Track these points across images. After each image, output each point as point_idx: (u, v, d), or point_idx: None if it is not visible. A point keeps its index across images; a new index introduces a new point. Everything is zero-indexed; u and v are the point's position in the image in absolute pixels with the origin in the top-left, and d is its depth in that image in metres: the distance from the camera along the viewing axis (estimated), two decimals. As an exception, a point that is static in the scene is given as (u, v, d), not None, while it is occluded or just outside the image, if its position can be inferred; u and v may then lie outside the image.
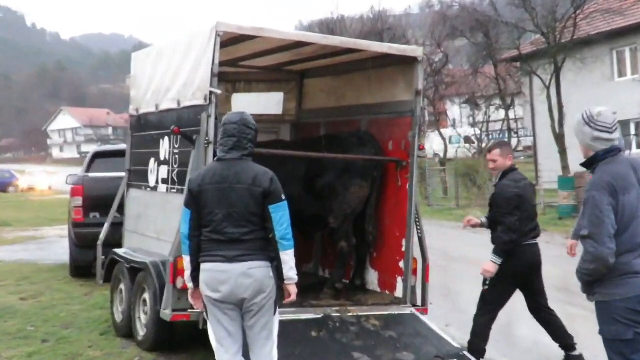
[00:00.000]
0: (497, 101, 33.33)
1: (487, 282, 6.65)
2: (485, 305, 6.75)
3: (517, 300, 6.93)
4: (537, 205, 20.33)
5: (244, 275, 5.13)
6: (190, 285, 5.41)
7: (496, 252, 6.58)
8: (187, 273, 5.38)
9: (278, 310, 5.37)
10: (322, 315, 7.02)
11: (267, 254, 5.21)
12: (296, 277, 5.25)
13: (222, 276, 5.17)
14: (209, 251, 5.24)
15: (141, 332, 7.66)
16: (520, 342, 7.94)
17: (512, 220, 6.52)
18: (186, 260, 5.38)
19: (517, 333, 8.08)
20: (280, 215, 5.16)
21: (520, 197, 6.59)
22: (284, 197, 5.22)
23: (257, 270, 5.16)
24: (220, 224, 5.20)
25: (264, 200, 5.18)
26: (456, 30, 30.36)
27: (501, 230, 6.57)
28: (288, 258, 5.19)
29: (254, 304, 5.18)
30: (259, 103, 9.93)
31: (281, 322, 6.58)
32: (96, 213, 11.66)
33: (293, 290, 5.27)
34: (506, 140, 6.68)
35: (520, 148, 36.91)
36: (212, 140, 6.59)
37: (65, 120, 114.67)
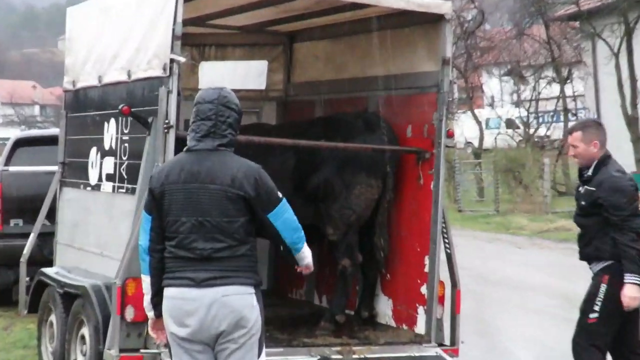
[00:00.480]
0: (550, 73, 33.33)
1: (598, 308, 6.63)
2: (592, 340, 6.73)
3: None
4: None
5: (217, 304, 5.12)
6: (150, 314, 5.44)
7: (632, 269, 6.53)
8: (147, 298, 5.41)
9: (264, 351, 5.37)
10: (319, 357, 7.02)
11: (250, 276, 5.23)
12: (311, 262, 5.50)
13: (189, 305, 5.15)
14: (174, 272, 5.23)
15: (78, 378, 7.67)
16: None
17: None
18: (145, 282, 5.40)
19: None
20: (284, 220, 5.25)
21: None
22: (280, 195, 5.28)
23: (235, 298, 5.15)
24: (188, 236, 5.20)
25: (251, 207, 5.21)
26: (495, -22, 30.38)
27: (629, 239, 6.54)
28: (304, 254, 5.42)
29: (229, 340, 5.16)
30: (235, 75, 9.95)
31: (265, 367, 6.64)
32: (18, 220, 11.66)
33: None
34: (597, 120, 6.54)
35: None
36: (174, 123, 6.62)
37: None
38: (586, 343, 6.68)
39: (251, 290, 5.21)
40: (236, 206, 5.19)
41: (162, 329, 5.38)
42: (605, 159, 6.81)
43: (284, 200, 5.29)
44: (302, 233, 5.35)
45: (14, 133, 15.83)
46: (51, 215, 9.03)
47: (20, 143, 12.55)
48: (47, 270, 8.49)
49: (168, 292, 5.24)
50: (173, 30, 6.68)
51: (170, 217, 5.25)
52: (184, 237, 5.21)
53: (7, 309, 11.77)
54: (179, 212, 5.23)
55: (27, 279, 8.84)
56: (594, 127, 7.07)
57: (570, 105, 33.87)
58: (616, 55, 23.99)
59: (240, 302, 5.15)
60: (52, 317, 8.24)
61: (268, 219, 5.22)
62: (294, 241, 5.29)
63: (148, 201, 5.37)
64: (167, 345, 5.37)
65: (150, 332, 5.58)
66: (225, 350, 5.19)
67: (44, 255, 9.40)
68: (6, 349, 9.71)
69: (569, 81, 32.92)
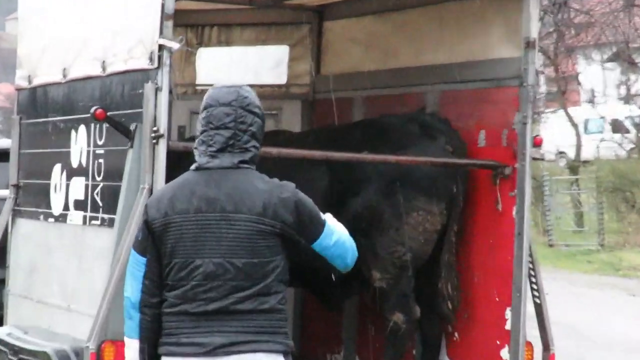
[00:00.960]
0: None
1: None
2: None
3: None
4: None
5: None
6: None
7: None
8: None
9: None
10: None
11: (281, 340, 5.21)
12: None
13: None
14: (177, 335, 5.21)
15: None
16: None
17: None
18: (132, 348, 5.39)
19: None
20: (332, 244, 5.32)
21: None
22: (322, 218, 5.30)
23: None
24: (202, 283, 5.17)
25: (285, 241, 5.24)
26: None
27: None
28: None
29: None
30: (245, 65, 9.99)
31: None
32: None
33: None
34: None
35: None
36: (165, 130, 6.64)
37: None
38: None
39: (281, 358, 5.19)
40: (270, 242, 5.20)
41: None
42: None
43: (326, 220, 5.32)
44: (354, 251, 5.40)
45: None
46: (1, 256, 9.11)
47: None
48: (-2, 330, 8.58)
49: None
50: (162, 6, 6.72)
51: (176, 259, 5.19)
52: (195, 285, 5.15)
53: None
54: (190, 252, 5.19)
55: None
56: None
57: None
58: None
59: None
60: (3, 394, 8.30)
61: (315, 249, 5.27)
62: (346, 265, 5.38)
63: (142, 238, 5.31)
64: None
65: None
66: None
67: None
68: None
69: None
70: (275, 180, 5.27)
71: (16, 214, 8.94)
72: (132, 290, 5.29)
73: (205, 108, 5.30)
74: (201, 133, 5.28)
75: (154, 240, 5.23)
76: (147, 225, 5.26)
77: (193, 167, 5.29)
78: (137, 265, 5.30)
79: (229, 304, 5.12)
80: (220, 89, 5.38)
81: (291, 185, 5.27)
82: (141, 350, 5.30)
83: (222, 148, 5.23)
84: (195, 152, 5.28)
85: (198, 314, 5.14)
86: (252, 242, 5.15)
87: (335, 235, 5.28)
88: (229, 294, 5.12)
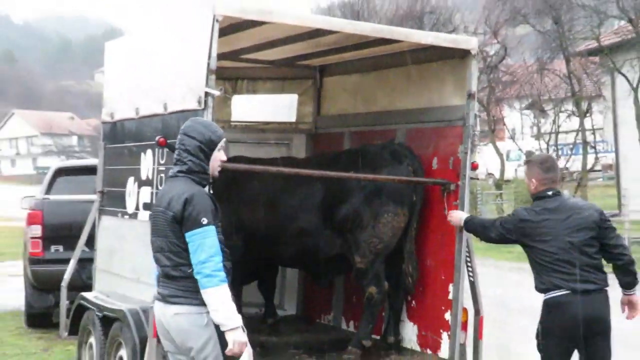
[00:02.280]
0: (570, 106, 33.19)
1: None
2: None
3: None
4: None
5: (172, 321, 5.34)
6: None
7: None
8: None
9: None
10: (346, 381, 7.03)
11: (201, 297, 5.24)
12: (228, 323, 5.13)
13: (161, 319, 5.44)
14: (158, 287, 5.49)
15: (115, 398, 7.70)
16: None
17: None
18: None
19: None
20: (197, 245, 5.19)
21: None
22: (204, 222, 5.22)
23: (183, 317, 5.28)
24: (155, 253, 5.46)
25: (180, 227, 5.28)
26: (517, 14, 30.28)
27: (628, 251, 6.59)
28: (210, 299, 5.15)
29: (190, 357, 5.32)
30: (267, 107, 10.00)
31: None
32: (59, 246, 11.74)
33: (230, 338, 5.13)
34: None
35: (598, 167, 36.72)
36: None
37: (17, 126, 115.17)
38: None
39: (201, 310, 5.24)
40: (172, 228, 5.30)
41: None
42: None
43: (208, 227, 5.22)
44: (213, 269, 5.14)
45: (53, 162, 15.92)
46: (90, 241, 9.10)
47: (60, 172, 12.67)
48: (87, 294, 8.54)
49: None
50: (208, 64, 6.69)
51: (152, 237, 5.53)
52: (155, 256, 5.47)
53: (46, 331, 11.85)
54: (152, 233, 5.52)
55: (67, 302, 8.90)
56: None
57: (590, 138, 33.72)
58: (635, 90, 23.94)
59: (187, 321, 5.29)
60: (92, 340, 8.28)
61: (185, 237, 5.25)
62: (198, 270, 5.17)
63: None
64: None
65: None
66: None
67: (83, 280, 9.47)
68: (45, 370, 9.77)
69: (588, 115, 32.68)
70: (189, 186, 5.36)
71: (101, 212, 8.93)
72: None
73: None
74: None
75: None
76: None
77: None
78: None
79: (167, 269, 5.37)
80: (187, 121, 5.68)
81: (192, 190, 5.31)
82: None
83: (175, 162, 5.55)
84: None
85: (161, 274, 5.49)
86: (164, 227, 5.37)
87: (204, 241, 5.19)
88: (166, 262, 5.40)
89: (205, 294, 5.12)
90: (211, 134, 5.45)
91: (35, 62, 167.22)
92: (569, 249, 6.30)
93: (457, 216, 7.27)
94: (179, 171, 5.40)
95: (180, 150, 5.41)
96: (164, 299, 5.37)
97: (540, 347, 6.53)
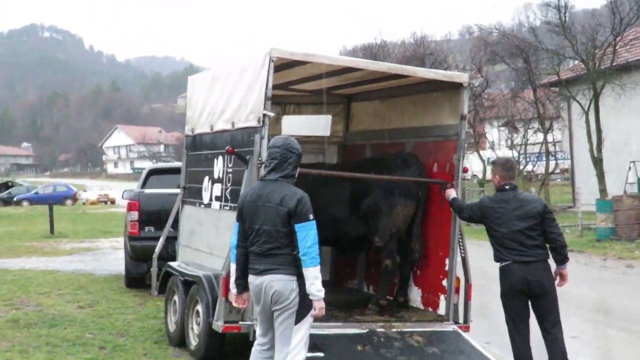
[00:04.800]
0: (536, 124, 32.88)
1: None
2: None
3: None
4: (574, 227, 19.68)
5: (267, 286, 5.40)
6: (233, 290, 5.74)
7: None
8: (232, 279, 5.71)
9: (305, 323, 5.47)
10: (367, 330, 7.01)
11: (293, 269, 5.41)
12: (318, 294, 5.34)
13: (255, 289, 5.50)
14: (249, 263, 5.54)
15: (193, 342, 7.73)
16: None
17: None
18: (232, 268, 5.70)
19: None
20: (305, 234, 5.32)
21: None
22: (311, 217, 5.38)
23: (278, 283, 5.40)
24: (255, 237, 5.48)
25: (290, 219, 5.36)
26: (496, 55, 30.13)
27: (562, 238, 6.60)
28: (309, 274, 5.33)
29: (274, 310, 5.45)
30: (308, 125, 9.96)
31: (327, 337, 6.67)
32: (151, 227, 11.82)
33: (317, 305, 5.38)
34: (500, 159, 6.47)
35: (557, 170, 36.40)
36: (264, 160, 6.66)
37: (120, 138, 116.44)
38: None
39: (292, 278, 5.41)
40: (282, 220, 5.38)
41: (243, 302, 5.71)
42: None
43: (313, 222, 5.38)
44: (315, 254, 5.32)
45: (148, 165, 16.04)
46: (175, 224, 9.15)
47: (152, 172, 12.77)
48: (172, 263, 8.61)
49: (248, 279, 5.56)
50: (265, 93, 6.73)
51: (247, 224, 5.53)
52: (253, 238, 5.49)
53: (141, 290, 11.95)
54: (250, 221, 5.50)
55: (157, 269, 8.96)
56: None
57: (551, 149, 33.53)
58: (586, 113, 23.75)
59: (280, 285, 5.40)
60: (175, 297, 8.34)
61: (295, 227, 5.34)
62: (304, 253, 5.31)
63: (237, 213, 5.66)
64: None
65: (234, 303, 5.88)
66: (274, 319, 5.53)
67: (168, 253, 9.51)
68: (141, 319, 9.83)
69: (550, 131, 32.52)
70: (295, 189, 5.47)
71: (183, 202, 8.99)
72: (233, 238, 5.64)
73: (268, 147, 5.66)
74: (265, 160, 5.70)
75: (240, 214, 5.58)
76: (238, 207, 5.63)
77: (260, 178, 5.76)
78: (235, 227, 5.63)
79: (266, 250, 5.44)
80: (277, 138, 5.72)
81: (301, 193, 5.43)
82: (236, 270, 5.63)
83: (272, 169, 5.53)
84: (261, 170, 5.85)
85: (254, 253, 5.51)
86: (273, 218, 5.40)
87: (310, 232, 5.32)
88: (265, 244, 5.44)
89: (307, 271, 5.31)
90: (300, 150, 5.65)
91: (134, 90, 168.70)
92: (515, 231, 6.47)
93: (449, 194, 7.35)
94: (280, 176, 5.50)
95: (279, 161, 5.51)
96: (259, 272, 5.46)
97: (503, 305, 6.67)
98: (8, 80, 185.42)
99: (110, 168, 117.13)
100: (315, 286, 5.32)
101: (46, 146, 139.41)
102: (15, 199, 53.02)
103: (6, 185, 59.23)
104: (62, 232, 24.89)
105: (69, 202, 51.96)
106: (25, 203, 51.15)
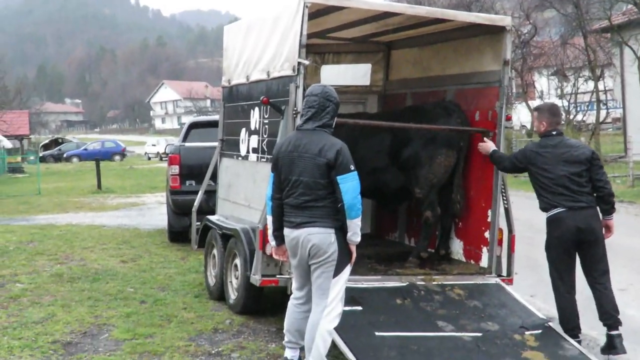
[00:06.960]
0: (586, 73, 32.26)
1: None
2: None
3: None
4: (626, 177, 19.27)
5: (304, 240, 5.28)
6: (272, 243, 5.62)
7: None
8: (270, 232, 5.59)
9: (342, 276, 5.37)
10: (407, 283, 6.89)
11: (331, 222, 5.27)
12: (357, 240, 5.29)
13: (291, 242, 5.38)
14: (285, 216, 5.41)
15: (232, 295, 7.71)
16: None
17: None
18: (269, 220, 5.57)
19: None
20: (348, 186, 5.17)
21: None
22: (352, 168, 5.22)
23: (316, 236, 5.26)
24: (291, 189, 5.33)
25: (330, 171, 5.20)
26: (545, 1, 29.45)
27: (609, 186, 6.42)
28: (353, 225, 5.24)
29: (311, 264, 5.34)
30: (347, 74, 9.78)
31: (367, 290, 6.57)
32: (192, 181, 11.79)
33: (353, 249, 5.34)
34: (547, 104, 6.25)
35: (609, 120, 35.62)
36: (300, 110, 6.52)
37: (167, 93, 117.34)
38: None
39: (330, 231, 5.28)
40: (321, 171, 5.22)
41: (282, 253, 5.60)
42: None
43: (355, 173, 5.22)
44: (359, 205, 5.20)
45: (190, 119, 16.03)
46: (214, 177, 9.08)
47: (193, 126, 12.70)
48: (211, 217, 8.55)
49: (284, 232, 5.45)
50: (299, 41, 6.56)
51: (282, 175, 5.37)
52: (289, 190, 5.35)
53: (184, 244, 11.97)
54: (286, 172, 5.34)
55: (197, 223, 8.93)
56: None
57: (602, 97, 32.78)
58: (639, 59, 23.07)
59: (319, 239, 5.28)
60: (214, 251, 8.31)
61: (337, 179, 5.18)
62: (349, 205, 5.17)
63: (272, 164, 5.50)
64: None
65: (274, 255, 5.77)
66: (311, 272, 5.42)
67: (208, 207, 9.47)
68: (183, 273, 9.86)
69: (601, 79, 31.87)
70: (334, 139, 5.31)
71: (222, 155, 8.91)
72: (268, 190, 5.49)
73: (305, 96, 5.43)
74: (302, 109, 5.43)
75: (275, 166, 5.41)
76: (273, 158, 5.45)
77: (295, 127, 5.57)
78: (270, 177, 5.47)
79: (304, 202, 5.28)
80: (315, 86, 5.51)
81: (340, 143, 5.26)
82: (272, 222, 5.50)
83: (309, 118, 5.33)
84: (297, 119, 5.57)
85: (290, 205, 5.36)
86: (311, 170, 5.23)
87: (353, 183, 5.19)
88: (302, 196, 5.29)
89: (352, 222, 5.20)
90: (338, 99, 5.48)
91: (180, 45, 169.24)
92: (562, 176, 6.28)
93: (486, 147, 7.14)
94: (318, 126, 5.32)
95: (316, 110, 5.32)
96: (296, 225, 5.32)
97: (547, 257, 6.50)
98: (55, 37, 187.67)
99: (158, 124, 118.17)
100: (359, 236, 5.31)
101: (94, 102, 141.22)
102: (65, 155, 54.20)
103: (56, 142, 60.43)
104: (110, 188, 25.20)
105: (117, 157, 52.75)
106: (74, 159, 52.22)
